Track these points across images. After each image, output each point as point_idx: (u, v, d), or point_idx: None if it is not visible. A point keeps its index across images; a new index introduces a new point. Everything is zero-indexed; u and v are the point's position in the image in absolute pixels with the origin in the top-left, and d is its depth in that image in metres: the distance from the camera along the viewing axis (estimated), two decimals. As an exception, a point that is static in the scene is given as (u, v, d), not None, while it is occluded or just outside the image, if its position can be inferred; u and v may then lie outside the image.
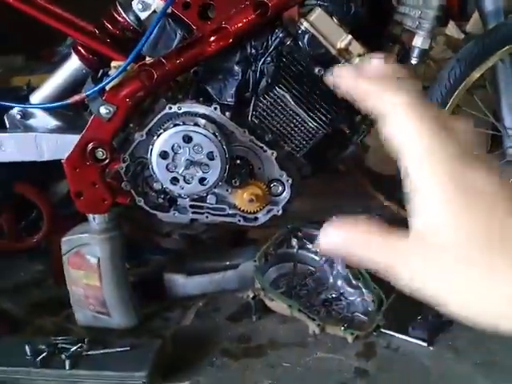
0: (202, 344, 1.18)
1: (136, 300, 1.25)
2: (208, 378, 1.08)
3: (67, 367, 1.04)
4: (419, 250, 0.31)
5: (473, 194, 0.30)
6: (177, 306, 1.30)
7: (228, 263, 1.37)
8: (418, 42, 1.07)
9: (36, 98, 1.15)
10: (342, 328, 1.12)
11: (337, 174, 1.75)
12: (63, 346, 1.09)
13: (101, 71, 1.09)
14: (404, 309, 1.23)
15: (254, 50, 1.08)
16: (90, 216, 1.15)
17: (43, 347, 1.08)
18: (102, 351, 1.09)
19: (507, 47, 1.14)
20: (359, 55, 1.08)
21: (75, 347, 1.08)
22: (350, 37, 1.04)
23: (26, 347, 1.07)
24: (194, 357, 1.14)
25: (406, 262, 0.31)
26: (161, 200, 1.17)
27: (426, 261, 0.31)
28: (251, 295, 1.22)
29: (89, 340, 1.11)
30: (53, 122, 1.14)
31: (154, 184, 1.15)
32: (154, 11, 1.06)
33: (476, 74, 1.15)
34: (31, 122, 1.13)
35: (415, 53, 1.09)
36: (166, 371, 1.08)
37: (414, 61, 1.10)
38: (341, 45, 1.06)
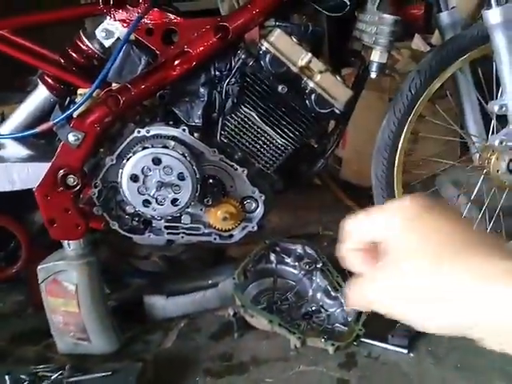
0: (185, 365, 1.18)
1: (116, 324, 1.25)
2: (189, 398, 1.07)
3: (47, 396, 1.03)
4: (382, 274, 0.37)
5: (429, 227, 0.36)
6: (158, 329, 1.30)
7: (208, 282, 1.37)
8: (376, 56, 1.10)
9: (5, 128, 1.16)
10: (323, 340, 1.13)
11: (313, 187, 1.78)
12: (44, 374, 1.08)
13: (68, 99, 1.11)
14: (383, 317, 1.24)
15: (217, 72, 1.11)
16: (65, 243, 1.15)
17: (24, 377, 1.07)
18: (83, 377, 1.08)
19: (464, 57, 1.18)
20: (320, 72, 1.11)
21: (56, 375, 1.08)
22: (309, 55, 1.08)
23: (6, 378, 1.06)
24: (176, 379, 1.13)
25: (374, 289, 0.37)
26: (135, 223, 1.18)
27: (387, 280, 0.36)
28: (231, 313, 1.22)
29: (70, 367, 1.10)
30: (23, 152, 1.15)
31: (127, 207, 1.16)
32: (118, 38, 1.08)
33: (437, 84, 1.19)
34: (1, 152, 1.14)
35: (374, 67, 1.12)
36: (147, 395, 1.07)
37: (373, 74, 1.13)
38: (302, 63, 1.09)
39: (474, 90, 1.25)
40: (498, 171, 1.24)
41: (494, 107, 1.17)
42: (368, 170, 1.30)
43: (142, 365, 1.12)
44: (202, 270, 1.47)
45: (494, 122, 1.24)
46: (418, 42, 1.94)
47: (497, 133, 1.23)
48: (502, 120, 1.21)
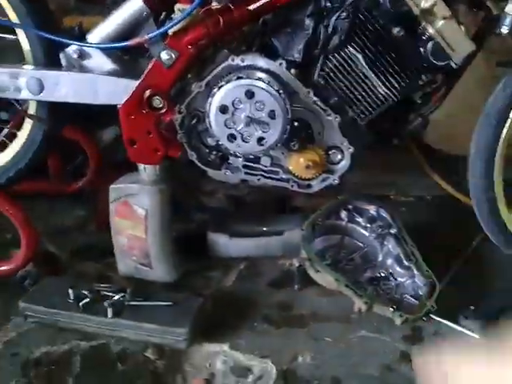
0: (243, 307, 1.15)
1: (178, 255, 1.23)
2: (248, 342, 1.06)
3: (109, 315, 1.03)
4: None
5: None
6: (218, 266, 1.28)
7: (272, 229, 1.33)
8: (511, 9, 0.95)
9: (93, 37, 1.09)
10: (391, 309, 1.07)
11: (390, 146, 1.66)
12: (106, 293, 1.09)
13: (163, 14, 1.03)
14: (456, 297, 1.17)
15: (328, 3, 0.99)
16: (141, 166, 1.12)
17: (86, 293, 1.08)
18: (143, 303, 1.07)
19: None
20: (444, 18, 0.98)
21: (118, 296, 1.08)
22: (437, -4, 0.94)
23: (70, 291, 1.07)
24: (233, 319, 1.12)
25: None
26: (213, 156, 1.12)
27: None
28: (297, 264, 1.18)
29: (131, 290, 1.10)
30: (109, 65, 1.09)
31: (209, 139, 1.10)
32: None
33: None
34: (88, 62, 1.09)
35: (507, 21, 0.98)
36: (206, 330, 1.06)
37: (504, 30, 0.99)
38: (425, 4, 0.96)
39: None
40: None
41: None
42: (458, 137, 1.18)
43: (202, 300, 1.10)
44: (266, 214, 1.43)
45: None
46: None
47: None
48: None
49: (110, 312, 1.04)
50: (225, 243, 1.28)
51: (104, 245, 1.28)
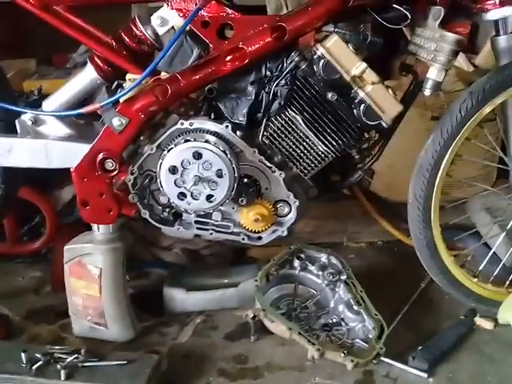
0: (199, 362, 1.16)
1: (134, 313, 1.24)
2: (204, 398, 1.06)
3: (62, 378, 1.03)
4: None
5: None
6: (174, 322, 1.29)
7: (228, 281, 1.36)
8: (433, 74, 1.07)
9: (49, 104, 1.15)
10: (342, 354, 1.10)
11: (341, 197, 1.75)
12: (59, 355, 1.08)
13: (115, 83, 1.10)
14: (405, 338, 1.23)
15: (268, 72, 1.09)
16: (95, 226, 1.15)
17: (39, 356, 1.07)
18: (97, 363, 1.07)
19: (519, 84, 1.14)
20: (373, 83, 1.09)
21: (71, 358, 1.07)
22: (364, 64, 1.05)
23: (22, 355, 1.06)
24: (190, 375, 1.12)
25: None
26: (166, 214, 1.17)
27: None
28: (251, 315, 1.20)
29: (85, 351, 1.09)
30: (64, 130, 1.14)
31: (161, 198, 1.15)
32: (172, 27, 1.07)
33: (487, 109, 1.15)
34: (42, 128, 1.13)
35: (429, 84, 1.10)
36: (161, 388, 1.06)
37: (427, 92, 1.11)
38: (355, 72, 1.07)
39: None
40: (539, 203, 1.21)
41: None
42: (399, 185, 1.27)
43: (157, 357, 1.11)
44: (222, 267, 1.46)
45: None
46: (461, 61, 1.90)
47: (542, 164, 1.20)
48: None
49: (63, 374, 1.03)
50: (181, 298, 1.30)
51: (60, 306, 1.28)
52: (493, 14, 1.12)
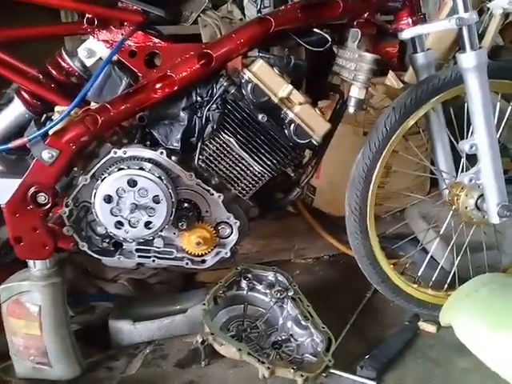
0: (149, 394, 1.14)
1: (79, 349, 1.20)
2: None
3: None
4: None
5: None
6: (122, 355, 1.26)
7: (177, 307, 1.35)
8: (355, 92, 1.13)
9: (-24, 141, 1.12)
10: (292, 370, 1.11)
11: (286, 215, 1.79)
12: (-2, 402, 1.03)
13: (44, 116, 1.09)
14: (353, 348, 1.25)
15: (199, 97, 1.11)
16: (31, 262, 1.11)
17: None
18: (39, 406, 1.03)
19: (437, 97, 1.22)
20: (300, 103, 1.13)
21: (11, 403, 1.02)
22: (290, 86, 1.10)
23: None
24: (139, 408, 1.10)
25: None
26: (105, 244, 1.15)
27: None
28: (200, 340, 1.19)
29: (26, 394, 1.05)
30: (-6, 166, 1.11)
31: (98, 228, 1.13)
32: (100, 58, 1.08)
33: (410, 122, 1.22)
34: (-29, 166, 1.10)
35: (352, 102, 1.15)
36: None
37: (351, 109, 1.16)
38: (282, 94, 1.11)
39: (446, 129, 1.30)
40: (466, 208, 1.28)
41: (464, 146, 1.22)
42: (340, 200, 1.32)
43: (104, 393, 1.08)
44: (170, 294, 1.45)
45: (463, 160, 1.28)
46: (391, 79, 2.01)
47: (466, 171, 1.28)
48: (472, 158, 1.26)
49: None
50: (128, 329, 1.27)
51: (1, 348, 1.22)
52: (407, 33, 1.20)
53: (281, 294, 1.33)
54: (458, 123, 1.29)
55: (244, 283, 1.37)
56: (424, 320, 1.35)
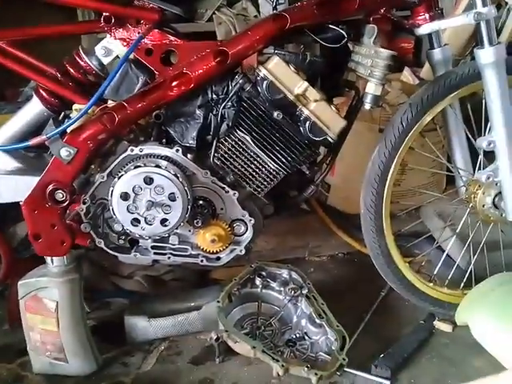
0: (164, 390, 1.15)
1: (95, 345, 1.21)
2: (169, 425, 1.04)
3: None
4: None
5: None
6: (137, 351, 1.27)
7: (192, 304, 1.35)
8: (371, 88, 1.13)
9: (-5, 139, 1.14)
10: (306, 368, 1.11)
11: (300, 212, 1.78)
12: (17, 396, 1.04)
13: (62, 114, 1.10)
14: (367, 346, 1.25)
15: (214, 95, 1.11)
16: (48, 259, 1.13)
17: (-5, 398, 1.03)
18: (57, 401, 1.04)
19: (455, 93, 1.21)
20: (315, 100, 1.13)
21: (29, 397, 1.04)
22: (306, 84, 1.09)
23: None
24: (154, 403, 1.11)
25: None
26: (122, 241, 1.16)
27: None
28: (214, 337, 1.20)
29: (44, 389, 1.06)
30: (12, 164, 1.13)
31: (115, 225, 1.14)
32: (117, 57, 1.09)
33: (427, 118, 1.21)
34: (-10, 163, 1.12)
35: (368, 98, 1.14)
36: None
37: (367, 106, 1.16)
38: (298, 91, 1.11)
39: (463, 126, 1.28)
40: (483, 206, 1.27)
41: (482, 143, 1.20)
42: (355, 198, 1.31)
43: (120, 388, 1.09)
44: (185, 291, 1.45)
45: (481, 157, 1.27)
46: (407, 75, 1.98)
47: (484, 168, 1.26)
48: (489, 155, 1.24)
49: (21, 415, 0.99)
50: (143, 326, 1.28)
51: (17, 344, 1.24)
52: (424, 29, 1.19)
53: (295, 292, 1.33)
54: (476, 120, 1.27)
55: (258, 281, 1.37)
56: (439, 319, 1.34)
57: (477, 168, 1.28)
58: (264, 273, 1.38)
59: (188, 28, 1.66)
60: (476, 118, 1.27)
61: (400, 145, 1.20)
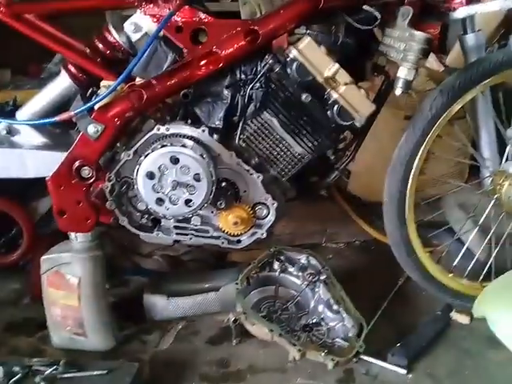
0: (181, 368, 1.16)
1: (114, 322, 1.23)
2: (187, 403, 1.06)
3: (41, 390, 1.01)
4: None
5: None
6: (156, 329, 1.28)
7: (209, 285, 1.36)
8: (403, 73, 1.10)
9: (23, 114, 1.14)
10: (323, 354, 1.12)
11: (319, 198, 1.78)
12: (37, 368, 1.06)
13: (90, 90, 1.09)
14: (384, 335, 1.25)
15: (243, 75, 1.10)
16: (72, 235, 1.13)
17: (17, 369, 1.05)
18: (77, 374, 1.06)
19: (487, 80, 1.18)
20: (345, 84, 1.11)
21: (50, 370, 1.05)
22: (337, 65, 1.07)
23: (0, 368, 1.04)
24: (172, 382, 1.12)
25: None
26: (145, 220, 1.16)
27: None
28: (232, 319, 1.20)
29: (64, 362, 1.08)
30: (39, 139, 1.13)
31: (139, 204, 1.14)
32: (146, 33, 1.07)
33: (457, 106, 1.18)
34: (17, 138, 1.12)
35: (400, 83, 1.12)
36: (143, 396, 1.05)
37: (398, 91, 1.13)
38: (328, 73, 1.09)
39: (493, 115, 1.25)
40: (509, 197, 1.25)
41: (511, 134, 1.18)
42: (376, 186, 1.29)
43: (138, 365, 1.10)
44: (203, 272, 1.46)
45: (509, 147, 1.24)
46: (432, 61, 1.95)
47: (511, 159, 1.24)
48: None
49: (41, 387, 1.01)
50: (162, 305, 1.29)
51: (38, 318, 1.26)
52: (460, 13, 1.15)
53: (313, 278, 1.33)
54: (507, 110, 1.24)
55: (276, 265, 1.37)
56: (456, 311, 1.33)
57: (504, 158, 1.26)
58: (282, 257, 1.38)
59: (213, 7, 1.63)
60: (507, 107, 1.24)
61: (428, 132, 1.18)
